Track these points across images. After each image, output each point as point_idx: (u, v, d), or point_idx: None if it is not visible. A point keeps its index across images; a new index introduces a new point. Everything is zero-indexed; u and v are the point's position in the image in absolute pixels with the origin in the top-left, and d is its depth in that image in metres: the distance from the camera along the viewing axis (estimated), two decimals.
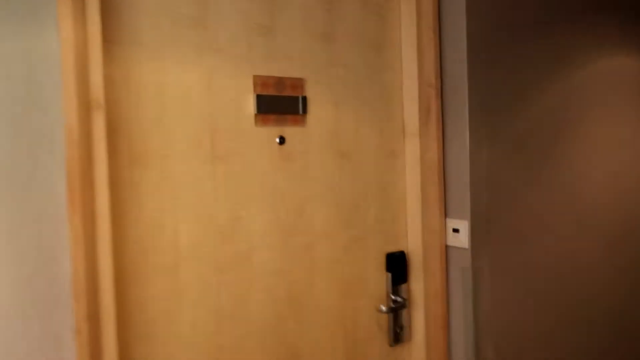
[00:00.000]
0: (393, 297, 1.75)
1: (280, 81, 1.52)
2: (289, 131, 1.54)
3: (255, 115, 1.47)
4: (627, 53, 2.18)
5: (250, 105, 1.46)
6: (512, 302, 1.82)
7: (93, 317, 1.16)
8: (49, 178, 1.14)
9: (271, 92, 1.50)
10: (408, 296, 1.78)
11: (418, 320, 1.78)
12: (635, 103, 2.23)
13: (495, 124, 1.76)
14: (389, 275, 1.75)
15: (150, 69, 1.31)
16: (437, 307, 1.77)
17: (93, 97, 1.16)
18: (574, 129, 2.00)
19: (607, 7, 2.11)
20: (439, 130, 1.75)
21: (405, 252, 1.79)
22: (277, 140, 1.51)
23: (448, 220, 1.77)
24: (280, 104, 1.51)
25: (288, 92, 1.53)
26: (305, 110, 1.56)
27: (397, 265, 1.76)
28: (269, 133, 1.50)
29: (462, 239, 1.74)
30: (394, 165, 1.76)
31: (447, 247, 1.78)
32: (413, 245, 1.78)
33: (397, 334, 1.77)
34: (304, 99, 1.56)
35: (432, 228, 1.76)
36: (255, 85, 1.47)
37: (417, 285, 1.77)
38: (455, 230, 1.75)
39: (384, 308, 1.71)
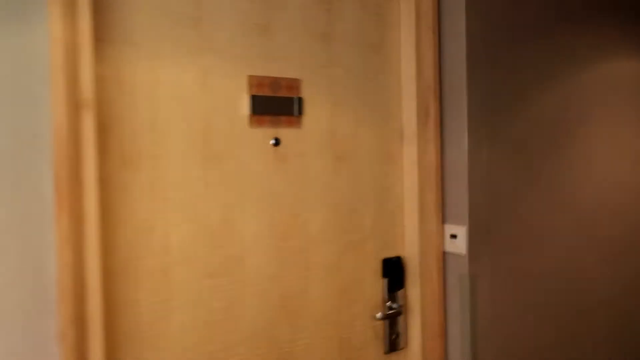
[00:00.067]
0: (389, 303, 1.72)
1: (275, 81, 1.49)
2: (284, 133, 1.51)
3: (250, 116, 1.45)
4: (628, 54, 2.15)
5: (244, 105, 1.44)
6: (511, 310, 1.79)
7: (79, 321, 1.13)
8: (36, 178, 1.11)
9: (266, 92, 1.47)
10: (404, 303, 1.75)
11: (414, 327, 1.75)
12: (637, 105, 2.20)
13: (494, 127, 1.74)
14: (385, 281, 1.72)
15: (143, 68, 1.28)
16: (433, 315, 1.74)
17: (83, 96, 1.13)
18: (575, 132, 1.97)
19: (607, 8, 2.08)
20: (437, 133, 1.72)
21: (402, 257, 1.76)
22: (272, 142, 1.49)
23: (446, 225, 1.74)
24: (275, 104, 1.49)
25: (284, 93, 1.51)
26: (301, 112, 1.53)
27: (394, 271, 1.73)
28: (264, 134, 1.47)
29: (459, 245, 1.71)
30: (391, 168, 1.74)
31: (444, 253, 1.75)
32: (410, 251, 1.75)
33: (393, 342, 1.73)
34: (300, 100, 1.53)
35: (430, 234, 1.73)
36: (250, 85, 1.45)
37: (414, 291, 1.74)
38: (453, 236, 1.73)
39: (379, 315, 1.68)
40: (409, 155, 1.74)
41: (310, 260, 1.57)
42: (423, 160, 1.72)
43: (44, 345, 1.11)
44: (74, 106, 1.12)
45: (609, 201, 2.10)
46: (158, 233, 1.31)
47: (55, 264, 1.12)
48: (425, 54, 1.71)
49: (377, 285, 1.72)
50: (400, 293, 1.74)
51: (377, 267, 1.72)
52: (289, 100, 1.51)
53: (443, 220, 1.75)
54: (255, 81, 1.45)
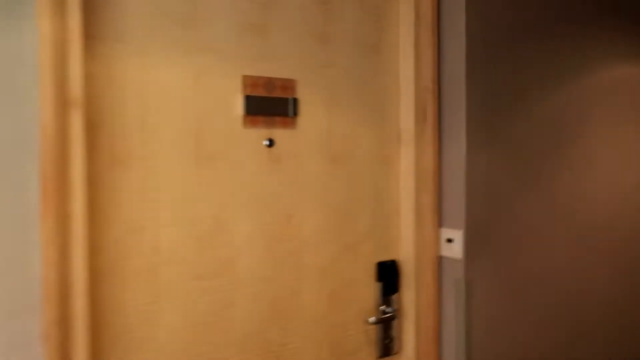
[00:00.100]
0: (383, 307, 1.70)
1: (270, 82, 1.47)
2: (279, 133, 1.49)
3: (244, 116, 1.43)
4: (629, 55, 2.13)
5: (238, 106, 1.42)
6: (507, 315, 1.77)
7: (63, 322, 1.12)
8: (22, 177, 1.10)
9: (261, 92, 1.46)
10: (399, 307, 1.73)
11: (408, 332, 1.73)
12: (638, 107, 2.18)
13: (493, 130, 1.71)
14: (380, 285, 1.70)
15: (135, 67, 1.26)
16: (428, 319, 1.72)
17: (71, 95, 1.12)
18: (575, 135, 1.95)
19: (609, 9, 2.05)
20: (435, 136, 1.70)
21: (397, 261, 1.74)
22: (266, 142, 1.47)
23: (442, 229, 1.72)
24: (269, 105, 1.47)
25: (278, 93, 1.49)
26: (295, 113, 1.51)
27: (388, 275, 1.71)
28: (257, 135, 1.46)
29: (456, 250, 1.69)
30: (387, 171, 1.72)
31: (440, 257, 1.73)
32: (405, 254, 1.73)
33: (386, 346, 1.72)
34: (295, 100, 1.51)
35: (425, 237, 1.71)
36: (244, 85, 1.43)
37: (409, 296, 1.72)
38: (449, 240, 1.71)
39: (372, 319, 1.66)
40: (406, 157, 1.72)
41: (304, 263, 1.56)
42: (420, 163, 1.70)
43: (28, 345, 1.10)
44: (63, 104, 1.11)
45: (610, 205, 2.07)
46: (148, 233, 1.30)
47: (40, 264, 1.10)
48: (424, 55, 1.69)
49: (371, 289, 1.70)
50: (394, 297, 1.72)
51: (372, 270, 1.70)
52: (284, 100, 1.49)
53: (439, 224, 1.73)
54: (249, 81, 1.44)
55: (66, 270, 1.13)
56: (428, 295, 1.71)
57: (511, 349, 1.79)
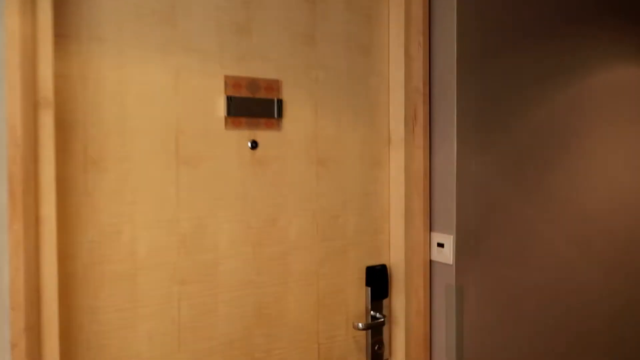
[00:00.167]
0: (372, 313, 1.66)
1: (254, 82, 1.44)
2: (263, 135, 1.45)
3: (226, 117, 1.39)
4: (630, 59, 2.08)
5: (220, 107, 1.38)
6: (499, 321, 1.73)
7: (33, 329, 1.09)
8: None
9: (244, 93, 1.42)
10: (389, 313, 1.69)
11: (399, 338, 1.69)
12: (636, 111, 2.12)
13: (486, 133, 1.67)
14: (369, 289, 1.66)
15: (111, 66, 1.23)
16: (419, 325, 1.67)
17: (41, 95, 1.09)
18: (571, 138, 1.90)
19: (607, 10, 2.01)
20: (425, 139, 1.66)
21: (387, 266, 1.70)
22: (249, 144, 1.43)
23: (433, 234, 1.68)
24: (253, 106, 1.43)
25: (262, 94, 1.45)
26: (281, 114, 1.48)
27: (378, 280, 1.67)
28: (240, 137, 1.42)
29: (446, 254, 1.65)
30: (377, 174, 1.67)
31: (431, 262, 1.69)
32: (395, 259, 1.69)
33: (376, 353, 1.67)
34: (280, 101, 1.47)
35: (416, 242, 1.67)
36: (226, 85, 1.39)
37: (399, 300, 1.68)
38: (440, 245, 1.66)
39: (361, 325, 1.62)
40: (396, 160, 1.68)
41: (290, 267, 1.52)
42: (410, 166, 1.66)
43: None
44: (32, 105, 1.07)
45: (604, 210, 2.03)
46: (124, 237, 1.26)
47: (8, 270, 1.07)
48: (414, 58, 1.65)
49: (360, 294, 1.66)
50: (384, 302, 1.68)
51: (361, 275, 1.66)
52: (268, 102, 1.46)
53: (430, 228, 1.69)
54: (232, 81, 1.40)
55: (35, 276, 1.10)
56: (419, 300, 1.67)
57: (503, 355, 1.74)
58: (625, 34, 2.06)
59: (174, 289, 1.33)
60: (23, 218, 1.06)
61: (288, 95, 1.49)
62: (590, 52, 1.95)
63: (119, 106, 1.24)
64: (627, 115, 2.09)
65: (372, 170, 1.66)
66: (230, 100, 1.39)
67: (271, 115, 1.46)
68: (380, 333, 1.69)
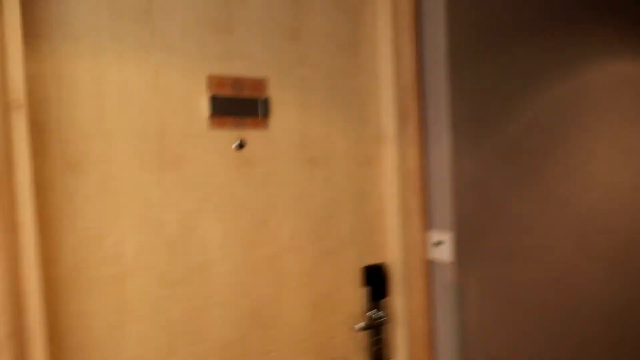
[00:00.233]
0: (372, 313, 1.61)
1: (238, 81, 1.40)
2: (249, 135, 1.42)
3: (210, 117, 1.36)
4: (627, 55, 2.03)
5: (203, 106, 1.35)
6: (501, 320, 1.67)
7: (17, 335, 1.05)
8: None
9: (228, 93, 1.39)
10: (389, 312, 1.64)
11: (400, 338, 1.64)
12: (634, 108, 2.07)
13: (482, 128, 1.63)
14: (367, 289, 1.61)
15: (87, 66, 1.20)
16: (420, 324, 1.62)
17: (12, 97, 1.06)
18: (569, 134, 1.85)
19: (603, 7, 1.96)
20: (418, 135, 1.61)
21: (385, 265, 1.65)
22: (235, 144, 1.40)
23: (431, 232, 1.64)
24: (238, 105, 1.40)
25: (247, 93, 1.42)
26: (267, 113, 1.44)
27: (376, 279, 1.62)
28: (226, 137, 1.39)
29: (446, 253, 1.60)
30: (369, 172, 1.63)
31: (430, 260, 1.64)
32: (392, 258, 1.65)
33: (377, 353, 1.62)
34: (266, 100, 1.44)
35: (413, 240, 1.62)
36: (209, 85, 1.36)
37: (399, 300, 1.63)
38: (439, 243, 1.62)
39: (359, 325, 1.57)
40: (388, 157, 1.64)
41: (283, 268, 1.48)
42: (404, 163, 1.62)
43: None
44: (3, 106, 1.05)
45: (605, 207, 1.97)
46: (109, 241, 1.23)
47: None
48: (403, 54, 1.61)
49: (357, 295, 1.61)
50: (384, 302, 1.64)
51: (357, 275, 1.61)
52: (254, 101, 1.42)
53: (428, 227, 1.64)
54: (215, 81, 1.37)
55: (17, 281, 1.06)
56: (419, 299, 1.62)
57: (506, 353, 1.69)
58: (623, 31, 2.02)
59: (163, 292, 1.30)
60: (1, 223, 1.03)
61: (274, 94, 1.46)
62: (588, 46, 1.90)
63: (97, 107, 1.22)
64: (625, 112, 2.04)
65: (364, 169, 1.62)
66: (214, 99, 1.36)
67: (257, 115, 1.43)
68: (382, 333, 1.64)
